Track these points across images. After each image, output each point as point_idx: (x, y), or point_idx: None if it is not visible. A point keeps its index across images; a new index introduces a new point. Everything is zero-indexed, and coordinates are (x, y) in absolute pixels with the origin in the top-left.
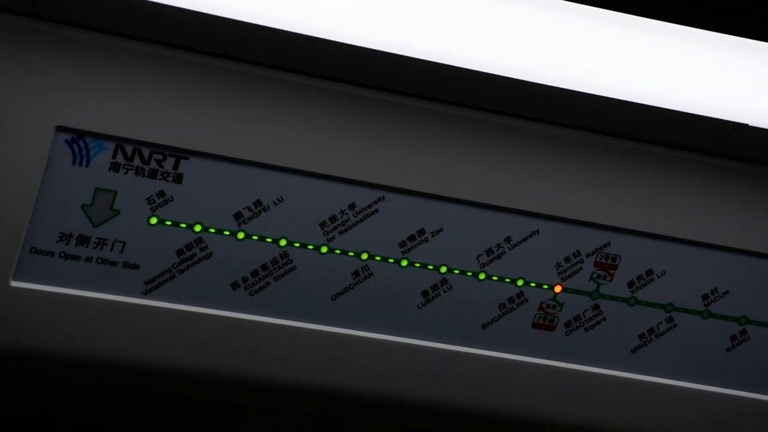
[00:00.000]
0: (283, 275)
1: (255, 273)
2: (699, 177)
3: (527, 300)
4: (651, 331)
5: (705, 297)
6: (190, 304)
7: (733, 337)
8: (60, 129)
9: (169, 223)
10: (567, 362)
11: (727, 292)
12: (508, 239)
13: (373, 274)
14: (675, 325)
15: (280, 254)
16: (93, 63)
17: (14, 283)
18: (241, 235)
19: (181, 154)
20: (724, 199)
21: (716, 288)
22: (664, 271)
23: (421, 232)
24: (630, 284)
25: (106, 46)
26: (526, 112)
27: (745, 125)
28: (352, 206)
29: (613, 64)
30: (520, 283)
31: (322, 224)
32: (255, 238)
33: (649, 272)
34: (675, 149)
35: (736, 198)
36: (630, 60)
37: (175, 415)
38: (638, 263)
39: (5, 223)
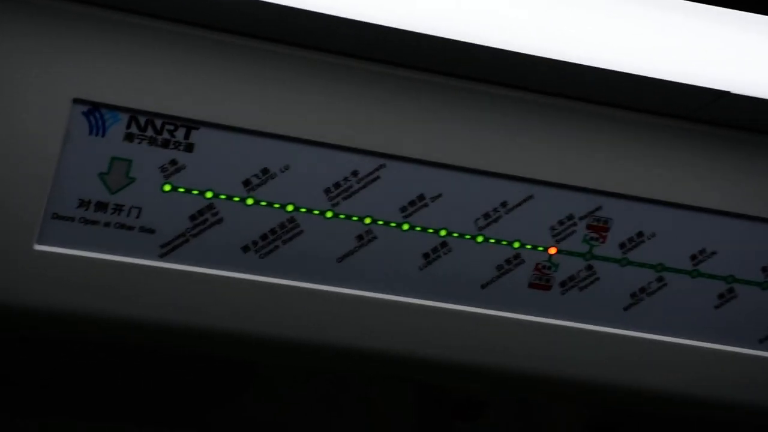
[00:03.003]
0: (291, 239)
1: (264, 237)
2: (686, 143)
3: (523, 261)
4: (642, 290)
5: (693, 257)
6: (204, 267)
7: (721, 295)
8: (77, 101)
9: (181, 189)
10: (563, 320)
11: (715, 253)
12: (504, 204)
13: (376, 238)
14: (665, 284)
15: (288, 219)
16: (108, 38)
17: (38, 247)
18: (250, 201)
19: (191, 125)
20: (711, 164)
21: (704, 249)
22: (654, 233)
23: (421, 197)
24: (621, 246)
25: (120, 22)
26: (520, 82)
27: (727, 92)
28: (354, 173)
29: (600, 34)
30: (516, 245)
31: (327, 190)
32: (263, 203)
33: (640, 234)
34: (662, 117)
35: (721, 162)
36: (616, 30)
37: (188, 374)
38: (629, 226)
39: (28, 190)
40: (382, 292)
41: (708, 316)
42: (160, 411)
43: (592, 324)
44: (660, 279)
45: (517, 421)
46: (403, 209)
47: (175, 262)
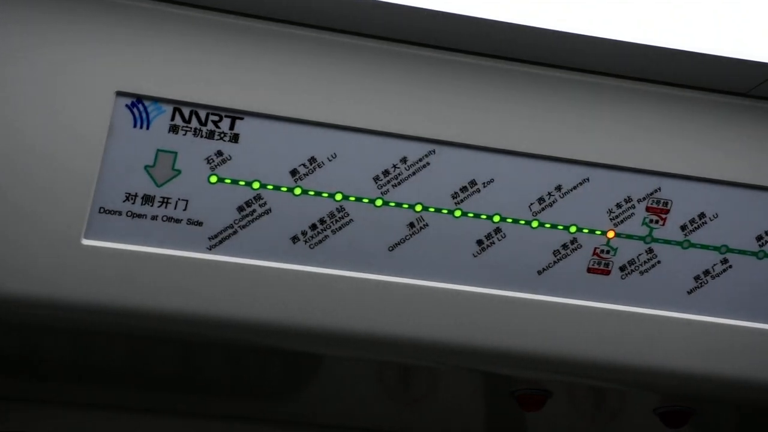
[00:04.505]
0: (340, 228)
1: (313, 227)
2: (746, 120)
3: (581, 246)
4: (706, 272)
5: (759, 238)
6: (253, 258)
7: None
8: (120, 94)
9: (228, 181)
10: (624, 305)
11: None
12: (558, 187)
13: (428, 225)
14: (730, 266)
15: (337, 208)
16: (150, 29)
17: (85, 242)
18: (297, 191)
19: (236, 115)
20: None
21: None
22: (716, 213)
23: (473, 183)
24: (683, 227)
25: (161, 13)
26: (572, 63)
27: None
28: (404, 160)
29: (654, 13)
30: (573, 229)
31: (376, 178)
32: (311, 193)
33: (702, 215)
34: (720, 94)
35: None
36: (671, 7)
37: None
38: (690, 207)
39: (74, 185)
40: (436, 281)
41: None
42: (221, 402)
43: (654, 309)
44: (724, 261)
45: (585, 408)
46: (454, 195)
47: (224, 254)
